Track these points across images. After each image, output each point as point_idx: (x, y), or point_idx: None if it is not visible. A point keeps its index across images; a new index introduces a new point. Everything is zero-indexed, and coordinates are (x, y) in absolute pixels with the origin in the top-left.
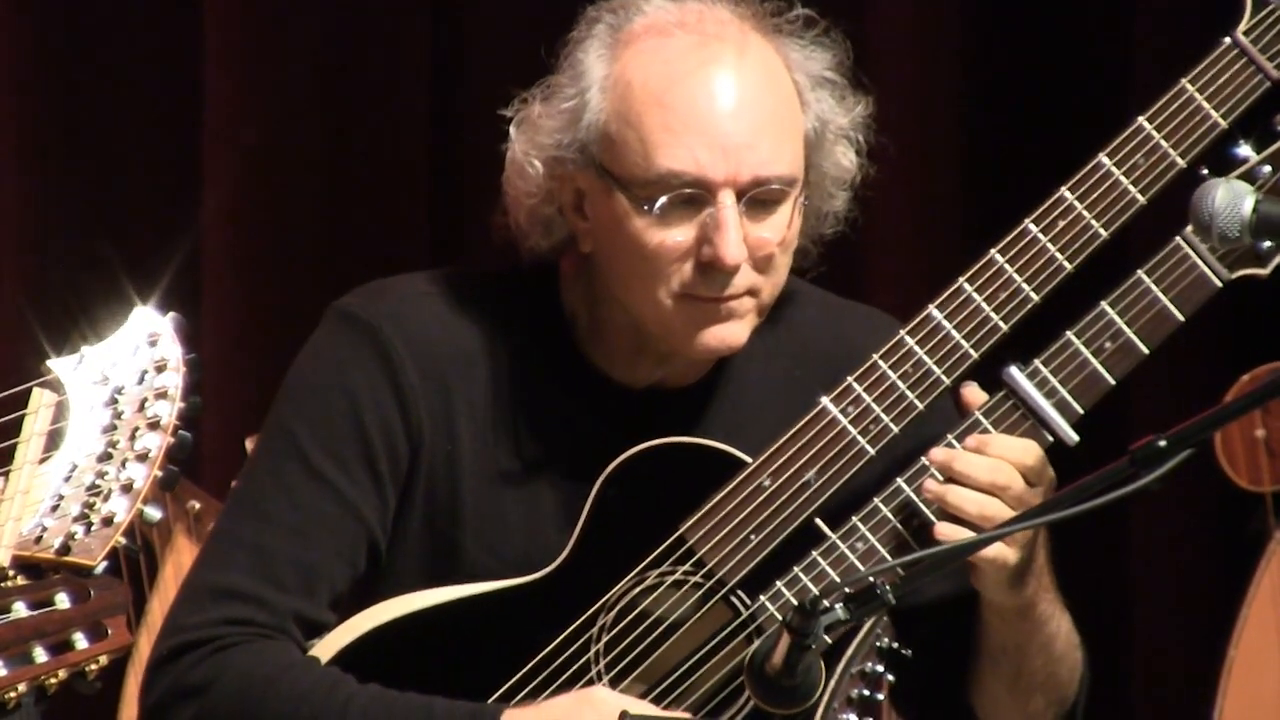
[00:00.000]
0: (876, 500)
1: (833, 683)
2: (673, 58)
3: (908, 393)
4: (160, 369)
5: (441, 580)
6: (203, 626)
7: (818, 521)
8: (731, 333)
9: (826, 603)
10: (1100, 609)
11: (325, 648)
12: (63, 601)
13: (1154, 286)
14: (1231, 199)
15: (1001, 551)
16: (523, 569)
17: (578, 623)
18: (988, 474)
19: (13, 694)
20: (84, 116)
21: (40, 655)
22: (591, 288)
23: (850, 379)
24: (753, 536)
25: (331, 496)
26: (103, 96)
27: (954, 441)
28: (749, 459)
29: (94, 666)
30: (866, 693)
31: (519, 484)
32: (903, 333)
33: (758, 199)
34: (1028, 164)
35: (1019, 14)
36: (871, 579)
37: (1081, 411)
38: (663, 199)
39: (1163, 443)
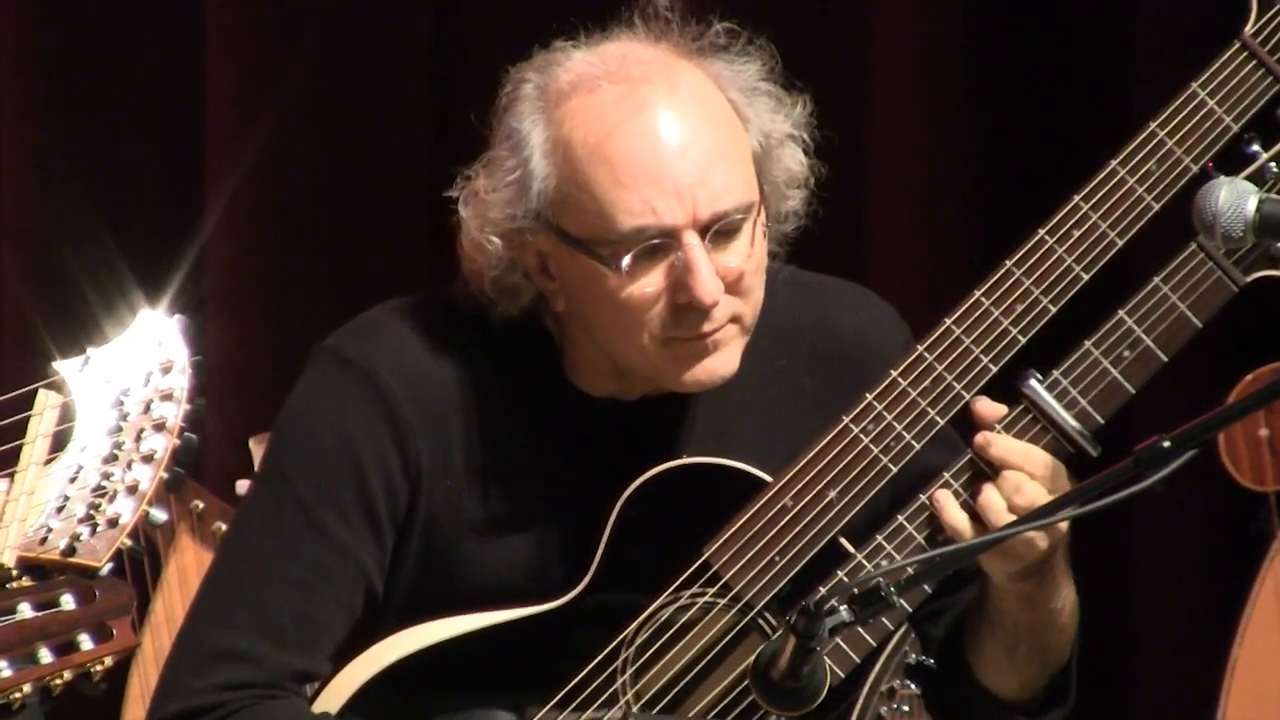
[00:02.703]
0: (900, 518)
1: (861, 701)
2: (605, 111)
3: (928, 409)
4: (166, 371)
5: (442, 610)
6: (204, 692)
7: (842, 540)
8: (722, 363)
9: (831, 604)
10: (1103, 609)
11: (347, 683)
12: (68, 603)
13: (1171, 294)
14: (1235, 199)
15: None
16: (532, 594)
17: (605, 650)
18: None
19: (18, 695)
20: (87, 118)
21: (45, 656)
22: (571, 333)
23: (870, 397)
24: (777, 558)
25: (332, 548)
26: (105, 98)
27: (975, 457)
28: (769, 478)
29: (99, 667)
30: (894, 706)
31: (519, 508)
32: (920, 348)
33: (720, 231)
34: (1029, 163)
35: (1020, 13)
36: (877, 580)
37: (1102, 422)
38: (628, 256)
39: (1167, 443)
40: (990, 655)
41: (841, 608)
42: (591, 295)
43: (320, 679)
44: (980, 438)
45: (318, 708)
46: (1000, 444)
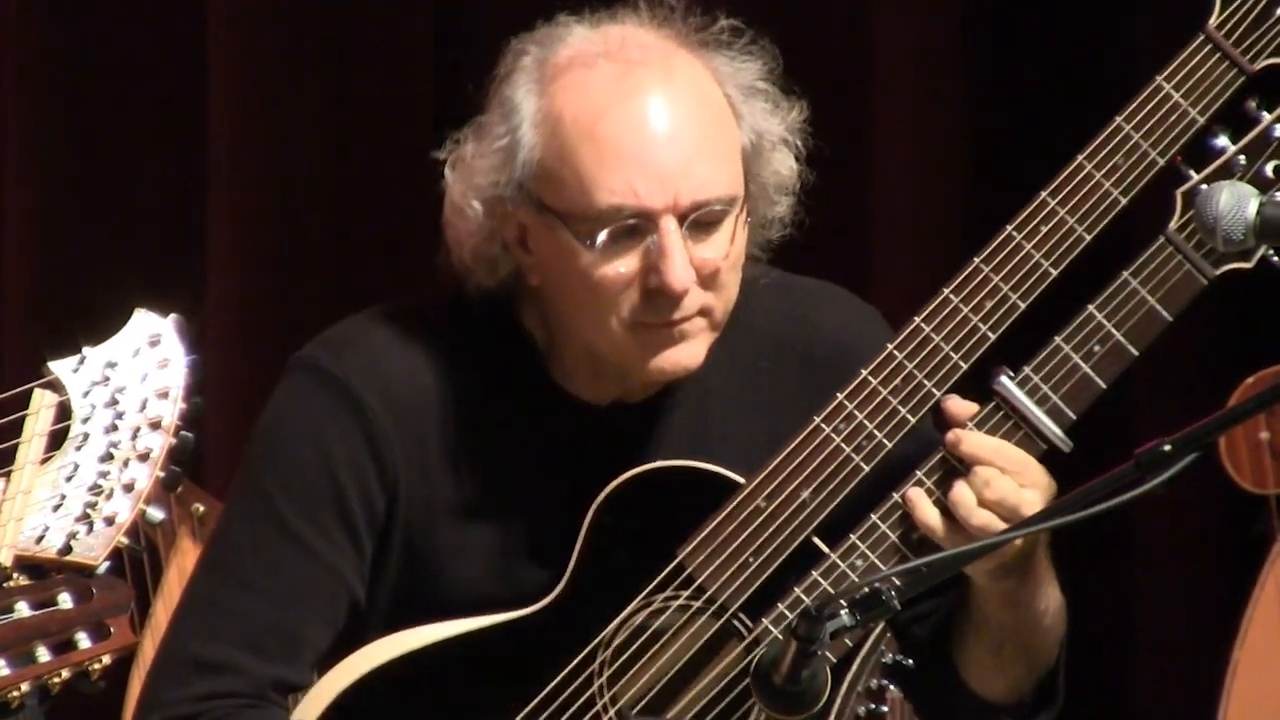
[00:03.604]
0: (874, 517)
1: (839, 701)
2: (598, 90)
3: (899, 407)
4: (162, 369)
5: (423, 617)
6: (184, 702)
7: (816, 540)
8: (687, 354)
9: (832, 608)
10: (1104, 611)
11: (323, 693)
12: (65, 601)
13: (1140, 288)
14: (1236, 202)
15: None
16: (507, 600)
17: (580, 655)
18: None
19: (15, 693)
20: (87, 119)
21: (43, 655)
22: (545, 315)
23: (841, 396)
24: (751, 559)
25: (310, 560)
26: (106, 99)
27: (948, 455)
28: (742, 480)
29: (97, 666)
30: (873, 706)
31: (496, 514)
32: (891, 347)
33: (699, 221)
34: (1030, 164)
35: (1021, 15)
36: (879, 584)
37: (1074, 417)
38: (604, 233)
39: (1168, 447)
40: (976, 657)
41: (843, 612)
42: (565, 272)
43: (302, 689)
44: (951, 435)
45: (295, 717)
46: (970, 440)
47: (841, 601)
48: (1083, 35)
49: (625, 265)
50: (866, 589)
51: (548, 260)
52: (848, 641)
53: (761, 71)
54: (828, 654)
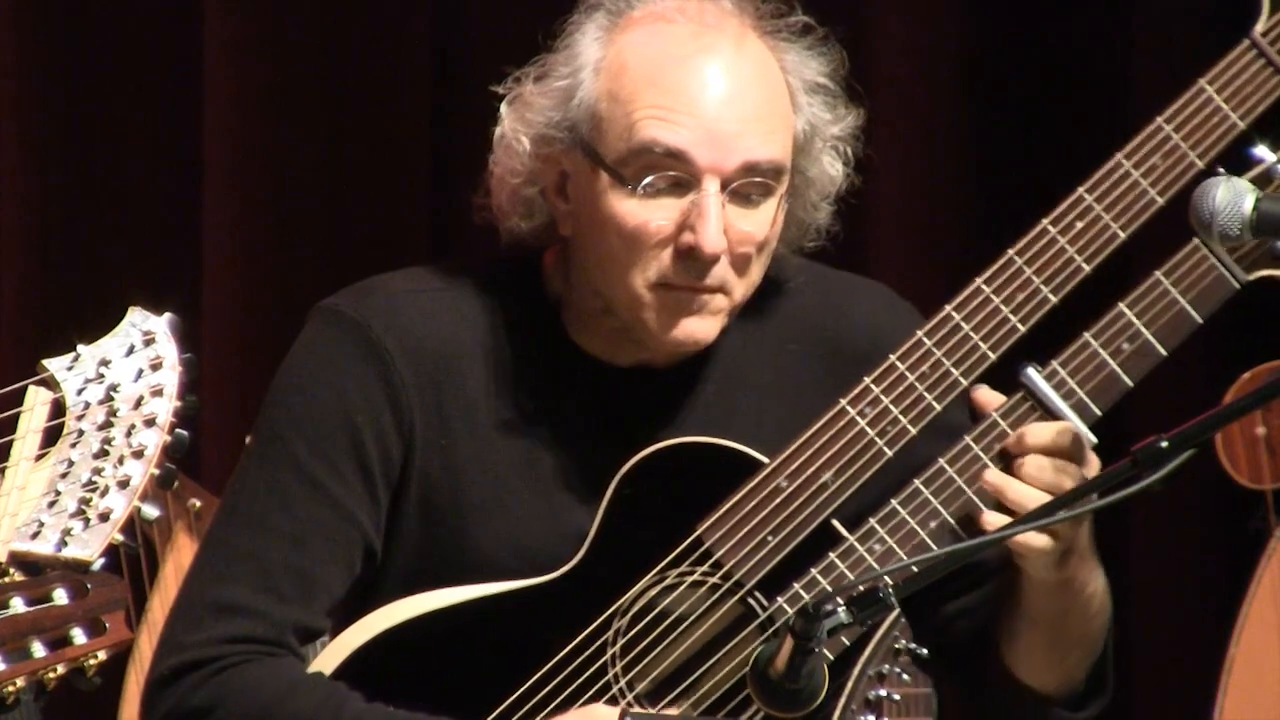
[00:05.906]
0: (894, 502)
1: (849, 684)
2: (669, 42)
3: (925, 394)
4: (156, 367)
5: (443, 576)
6: (204, 645)
7: (835, 523)
8: (701, 328)
9: (829, 606)
10: None
11: (338, 649)
12: (60, 597)
13: (1172, 288)
14: (1232, 197)
15: (1042, 540)
16: (529, 561)
17: (594, 624)
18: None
19: (11, 689)
20: (84, 116)
21: (38, 650)
22: (570, 274)
23: (868, 380)
24: (770, 538)
25: (326, 502)
26: (103, 95)
27: (971, 444)
28: (765, 459)
29: (93, 662)
30: (884, 693)
31: (517, 474)
32: (920, 334)
33: (741, 191)
34: (1026, 162)
35: (1018, 13)
36: (876, 581)
37: (1099, 413)
38: (648, 179)
39: (1165, 443)
40: (1028, 650)
41: (840, 609)
42: (600, 220)
43: (321, 635)
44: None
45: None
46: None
47: (839, 599)
48: (1080, 32)
49: (663, 218)
50: (864, 586)
51: (584, 208)
52: (844, 641)
53: (825, 70)
54: (843, 639)
